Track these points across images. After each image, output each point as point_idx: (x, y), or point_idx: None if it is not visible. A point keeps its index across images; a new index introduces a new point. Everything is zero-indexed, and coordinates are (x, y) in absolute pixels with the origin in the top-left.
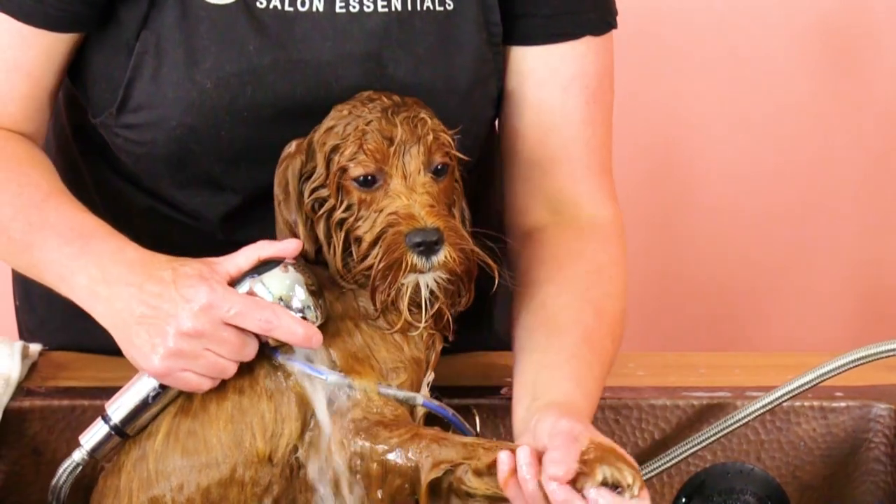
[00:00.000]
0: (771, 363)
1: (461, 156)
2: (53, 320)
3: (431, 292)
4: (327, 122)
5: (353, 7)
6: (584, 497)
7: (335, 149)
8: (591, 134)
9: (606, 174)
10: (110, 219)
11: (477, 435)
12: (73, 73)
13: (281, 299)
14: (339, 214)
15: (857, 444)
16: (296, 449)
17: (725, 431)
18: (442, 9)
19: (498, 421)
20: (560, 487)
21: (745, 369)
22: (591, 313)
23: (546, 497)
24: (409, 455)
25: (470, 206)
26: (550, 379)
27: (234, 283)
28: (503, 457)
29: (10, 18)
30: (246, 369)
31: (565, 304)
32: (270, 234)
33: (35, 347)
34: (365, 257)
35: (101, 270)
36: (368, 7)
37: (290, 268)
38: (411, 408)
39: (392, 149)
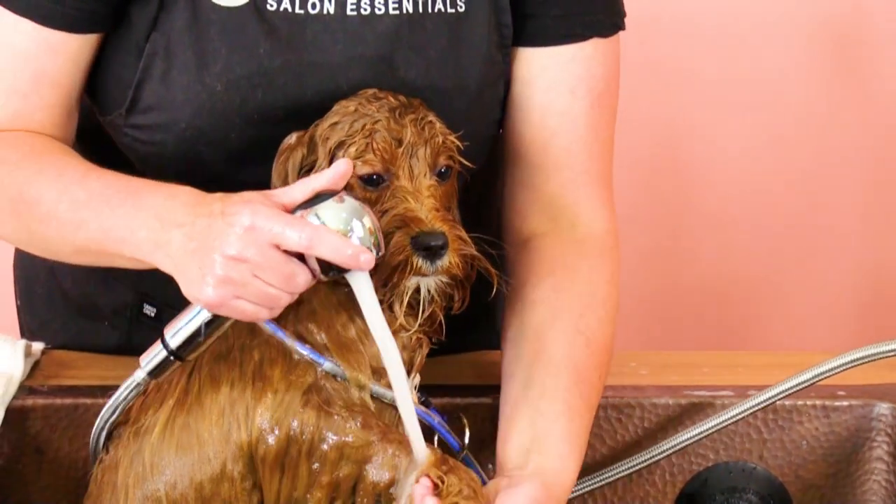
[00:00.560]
0: (773, 362)
1: (465, 161)
2: (55, 321)
3: (429, 295)
4: (331, 118)
5: (365, 9)
6: None
7: (340, 145)
8: (594, 139)
9: (605, 182)
10: None
11: (464, 445)
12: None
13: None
14: None
15: (860, 443)
16: None
17: (721, 426)
18: (454, 11)
19: (497, 420)
20: None
21: (747, 368)
22: (583, 345)
23: None
24: (371, 455)
25: (472, 210)
26: (547, 435)
27: (289, 212)
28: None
29: (34, 26)
30: (238, 362)
31: (559, 334)
32: None
33: (38, 346)
34: None
35: (159, 219)
36: (380, 9)
37: (347, 198)
38: (396, 410)
39: (400, 150)
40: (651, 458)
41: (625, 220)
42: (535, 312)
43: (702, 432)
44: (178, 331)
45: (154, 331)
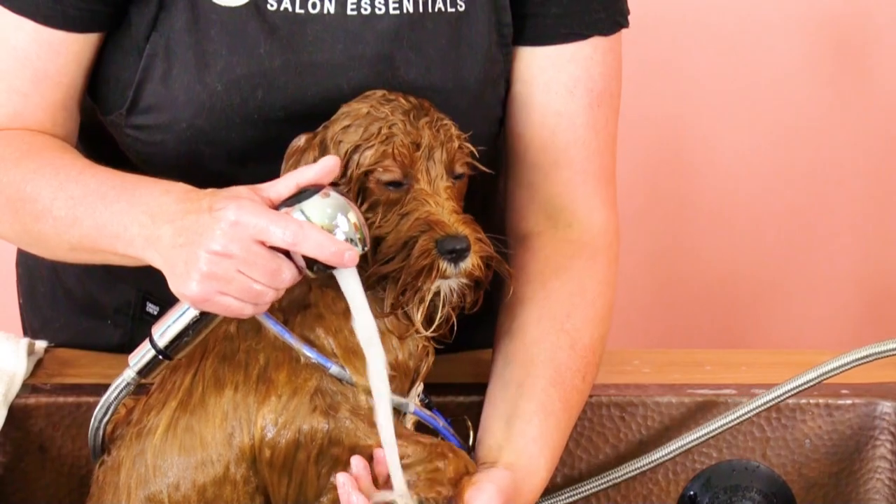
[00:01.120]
0: (776, 360)
1: (479, 165)
2: (57, 319)
3: (449, 298)
4: (341, 120)
5: (365, 9)
6: None
7: (356, 148)
8: (594, 138)
9: (606, 181)
10: None
11: (470, 445)
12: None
13: (323, 228)
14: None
15: (863, 442)
16: None
17: (727, 427)
18: (454, 10)
19: None
20: None
21: (750, 367)
22: (567, 346)
23: None
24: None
25: (477, 210)
26: (520, 434)
27: (275, 208)
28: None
29: (35, 26)
30: (244, 365)
31: (543, 333)
32: None
33: (41, 344)
34: (388, 259)
35: (150, 215)
36: (380, 9)
37: (332, 193)
38: (401, 414)
39: (419, 153)
40: (659, 458)
41: (627, 219)
42: (523, 311)
43: (709, 432)
44: (166, 329)
45: None
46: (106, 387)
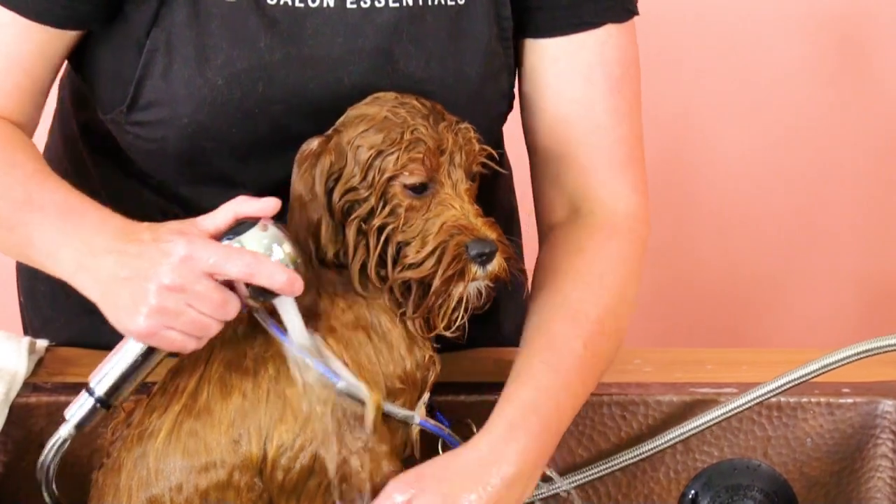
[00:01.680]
0: (777, 359)
1: (494, 165)
2: (58, 318)
3: (473, 300)
4: (358, 125)
5: (365, 2)
6: None
7: (379, 154)
8: (616, 123)
9: (632, 165)
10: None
11: None
12: (82, 70)
13: None
14: (380, 220)
15: (864, 440)
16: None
17: (723, 418)
18: (454, 3)
19: None
20: None
21: (752, 365)
22: (565, 318)
23: None
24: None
25: (483, 206)
26: (496, 417)
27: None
28: None
29: (9, 12)
30: (252, 373)
31: (540, 307)
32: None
33: (42, 343)
34: (415, 265)
35: (86, 243)
36: (379, 2)
37: (270, 226)
38: (407, 426)
39: (444, 158)
40: (652, 448)
41: None
42: (534, 298)
43: (701, 424)
44: (103, 376)
45: None
46: None
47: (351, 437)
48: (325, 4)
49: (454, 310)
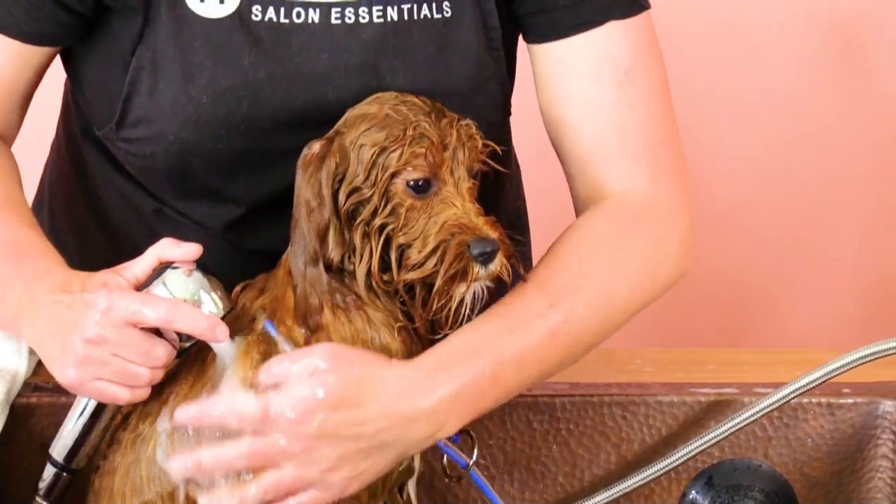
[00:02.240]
0: (779, 359)
1: (493, 164)
2: None
3: (473, 301)
4: (359, 124)
5: (349, 18)
6: None
7: (382, 151)
8: (628, 115)
9: (650, 153)
10: (118, 220)
11: (472, 461)
12: (76, 83)
13: (184, 301)
14: (381, 219)
15: (865, 441)
16: None
17: (734, 429)
18: (440, 16)
19: (505, 417)
20: None
21: (752, 365)
22: (532, 288)
23: None
24: None
25: (490, 208)
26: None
27: (140, 286)
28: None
29: None
30: None
31: (517, 289)
32: (275, 241)
33: None
34: (417, 265)
35: (28, 291)
36: (364, 18)
37: (194, 272)
38: None
39: (446, 154)
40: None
41: None
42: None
43: (717, 435)
44: (57, 443)
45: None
46: None
47: None
48: (309, 20)
49: (457, 310)
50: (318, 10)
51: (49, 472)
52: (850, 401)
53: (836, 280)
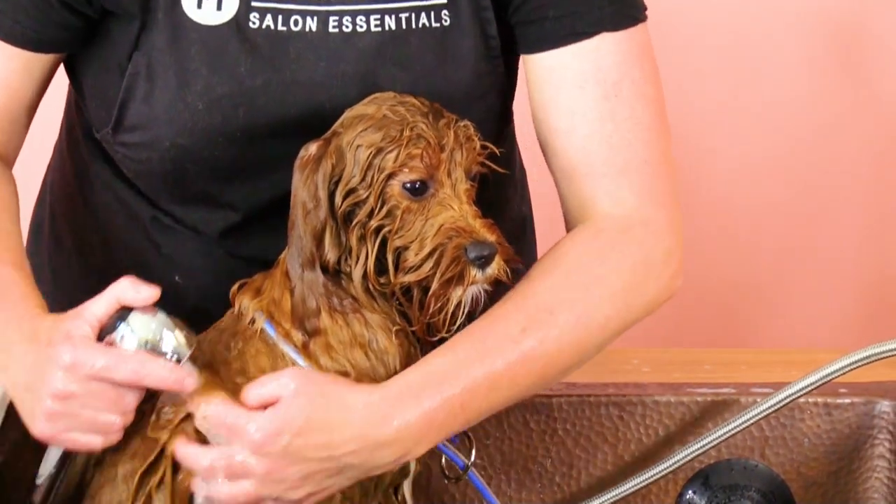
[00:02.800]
0: (776, 359)
1: (492, 165)
2: None
3: (474, 303)
4: (356, 125)
5: (346, 27)
6: None
7: (378, 151)
8: (612, 130)
9: (634, 169)
10: (115, 224)
11: (470, 462)
12: (76, 87)
13: (147, 342)
14: (376, 221)
15: (862, 441)
16: None
17: (733, 432)
18: (438, 25)
19: (502, 417)
20: None
21: (750, 365)
22: (510, 303)
23: None
24: None
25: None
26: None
27: (103, 327)
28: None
29: None
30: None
31: (498, 305)
32: (271, 249)
33: None
34: (414, 268)
35: (2, 336)
36: (361, 27)
37: (158, 312)
38: None
39: (444, 155)
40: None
41: None
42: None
43: (717, 437)
44: (37, 489)
45: None
46: None
47: None
48: (307, 28)
49: (454, 313)
50: (315, 18)
51: None
52: (847, 401)
53: (836, 280)
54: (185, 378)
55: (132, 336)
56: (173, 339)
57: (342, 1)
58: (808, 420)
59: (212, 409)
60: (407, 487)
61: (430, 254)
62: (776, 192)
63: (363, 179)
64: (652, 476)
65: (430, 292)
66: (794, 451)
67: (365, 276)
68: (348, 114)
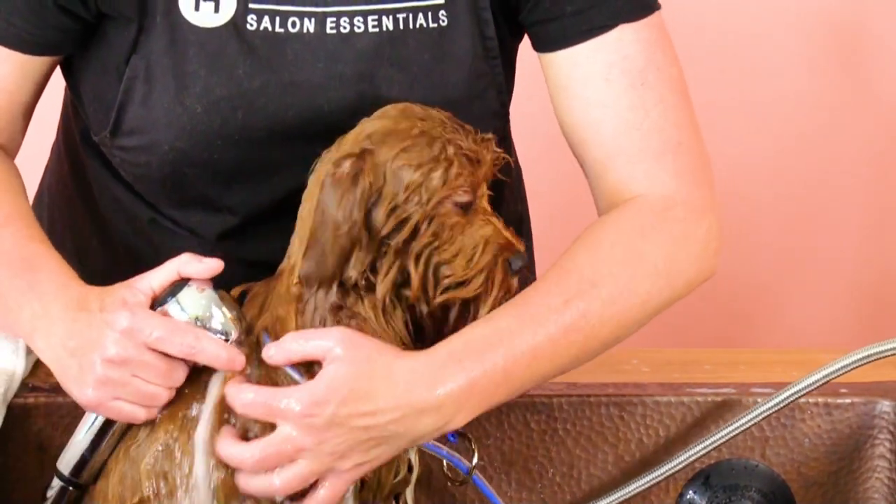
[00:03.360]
0: (776, 359)
1: (499, 176)
2: None
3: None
4: (393, 142)
5: (344, 28)
6: None
7: (427, 170)
8: (644, 118)
9: (671, 152)
10: (114, 226)
11: (473, 465)
12: (73, 89)
13: (197, 319)
14: (425, 238)
15: (862, 441)
16: None
17: (734, 433)
18: (436, 25)
19: (503, 417)
20: None
21: (750, 365)
22: (553, 277)
23: None
24: None
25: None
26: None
27: (156, 299)
28: None
29: None
30: None
31: (539, 279)
32: (269, 252)
33: None
34: (465, 283)
35: (43, 306)
36: (359, 27)
37: (207, 288)
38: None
39: (482, 171)
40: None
41: None
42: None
43: (718, 439)
44: (66, 456)
45: None
46: None
47: None
48: (304, 30)
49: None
50: (313, 20)
51: (55, 485)
52: (848, 401)
53: (836, 280)
54: (235, 357)
55: (182, 312)
56: (222, 316)
57: (339, 2)
58: (809, 420)
59: (249, 395)
60: (409, 493)
61: (482, 270)
62: (776, 191)
63: (408, 200)
64: (653, 479)
65: (472, 312)
66: (794, 451)
67: (389, 292)
68: (373, 127)
